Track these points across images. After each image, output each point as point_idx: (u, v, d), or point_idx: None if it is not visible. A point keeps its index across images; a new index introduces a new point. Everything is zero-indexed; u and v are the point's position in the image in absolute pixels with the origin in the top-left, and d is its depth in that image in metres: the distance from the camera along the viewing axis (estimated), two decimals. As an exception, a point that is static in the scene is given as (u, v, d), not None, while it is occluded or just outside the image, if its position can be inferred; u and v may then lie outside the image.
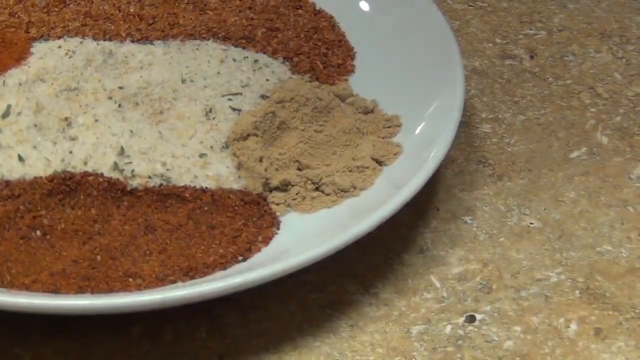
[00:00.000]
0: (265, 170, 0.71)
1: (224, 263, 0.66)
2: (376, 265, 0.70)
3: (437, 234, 0.72)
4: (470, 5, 0.95)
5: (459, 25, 0.92)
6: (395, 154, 0.73)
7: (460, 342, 0.65)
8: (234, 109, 0.76)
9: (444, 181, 0.76)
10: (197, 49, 0.82)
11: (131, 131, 0.73)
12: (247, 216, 0.69)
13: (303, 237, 0.67)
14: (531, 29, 0.93)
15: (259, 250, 0.67)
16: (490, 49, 0.90)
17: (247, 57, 0.81)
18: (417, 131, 0.74)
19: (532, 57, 0.89)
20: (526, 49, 0.90)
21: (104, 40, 0.82)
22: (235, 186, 0.71)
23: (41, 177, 0.69)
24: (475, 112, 0.83)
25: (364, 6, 0.88)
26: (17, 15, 0.84)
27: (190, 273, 0.65)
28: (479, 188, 0.76)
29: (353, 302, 0.67)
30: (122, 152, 0.71)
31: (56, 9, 0.86)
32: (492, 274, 0.69)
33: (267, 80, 0.79)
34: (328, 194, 0.71)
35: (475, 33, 0.92)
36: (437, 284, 0.69)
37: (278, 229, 0.69)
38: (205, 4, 0.87)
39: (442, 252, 0.71)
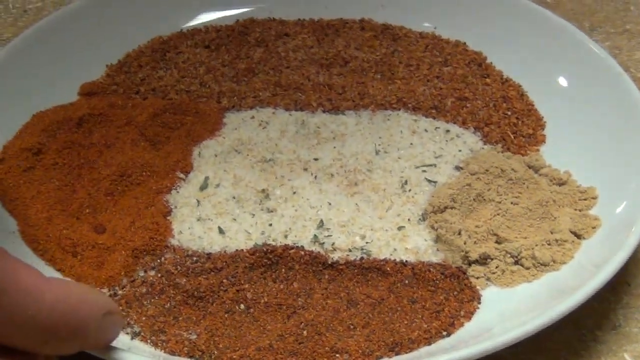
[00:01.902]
0: (464, 243, 0.70)
1: (428, 338, 0.65)
2: (569, 341, 0.68)
3: (630, 310, 0.71)
4: (654, 74, 0.93)
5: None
6: (593, 228, 0.72)
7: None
8: (429, 181, 0.75)
9: (634, 255, 0.73)
10: (388, 119, 0.82)
11: (329, 203, 0.73)
12: (448, 290, 0.68)
13: (505, 314, 0.66)
14: None
15: (462, 325, 0.66)
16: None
17: (438, 127, 0.81)
18: (613, 204, 0.73)
19: None
20: None
21: (296, 110, 0.83)
22: (434, 259, 0.70)
23: (242, 250, 0.70)
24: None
25: (550, 75, 0.86)
26: (207, 85, 0.86)
27: (396, 348, 0.64)
28: (668, 263, 0.74)
29: (546, 380, 0.66)
30: (321, 224, 0.72)
31: (245, 79, 0.87)
32: (686, 351, 0.68)
33: (460, 150, 0.79)
34: (528, 268, 0.70)
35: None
36: (632, 362, 0.67)
37: (479, 303, 0.68)
38: (392, 73, 0.87)
39: (635, 328, 0.69)
